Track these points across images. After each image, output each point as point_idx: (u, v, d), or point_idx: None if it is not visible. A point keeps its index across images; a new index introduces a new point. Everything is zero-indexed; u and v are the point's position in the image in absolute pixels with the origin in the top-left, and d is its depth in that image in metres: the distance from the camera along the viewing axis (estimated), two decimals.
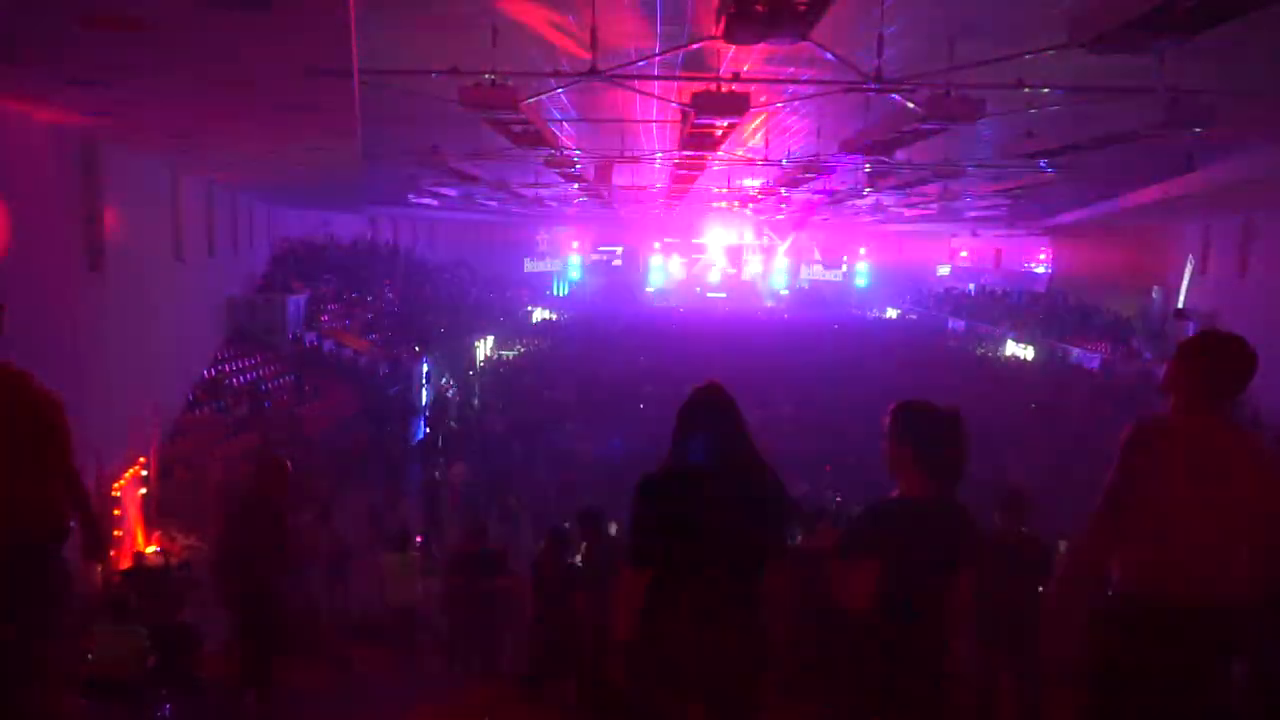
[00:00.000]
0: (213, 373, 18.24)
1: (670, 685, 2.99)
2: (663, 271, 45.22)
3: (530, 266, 41.55)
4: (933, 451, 3.04)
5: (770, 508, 3.07)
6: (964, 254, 39.33)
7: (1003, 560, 5.04)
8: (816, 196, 23.26)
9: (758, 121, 13.57)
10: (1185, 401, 2.99)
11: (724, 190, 23.45)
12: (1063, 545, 5.91)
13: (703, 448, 3.03)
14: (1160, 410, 3.11)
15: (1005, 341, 28.78)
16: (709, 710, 3.03)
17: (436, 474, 16.88)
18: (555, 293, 42.16)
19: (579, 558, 6.53)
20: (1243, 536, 2.85)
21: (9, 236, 8.61)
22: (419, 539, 10.31)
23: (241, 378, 18.92)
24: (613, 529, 7.20)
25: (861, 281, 44.19)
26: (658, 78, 9.77)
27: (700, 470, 3.03)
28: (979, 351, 28.99)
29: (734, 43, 6.84)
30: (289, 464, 5.57)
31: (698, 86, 9.13)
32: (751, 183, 22.47)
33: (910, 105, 8.98)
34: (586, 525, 6.49)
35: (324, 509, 14.27)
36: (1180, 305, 21.99)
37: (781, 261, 45.44)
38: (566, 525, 7.30)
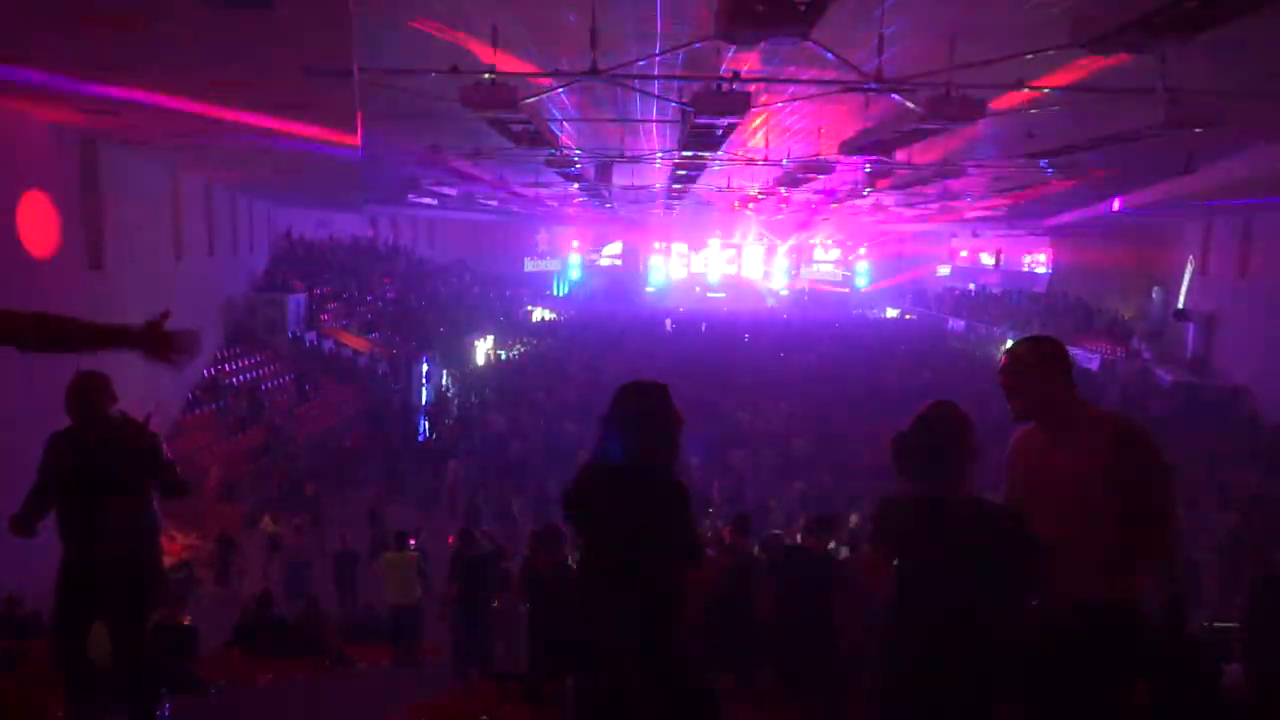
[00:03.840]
0: (212, 372, 18.23)
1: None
2: (662, 271, 45.21)
3: (530, 266, 41.53)
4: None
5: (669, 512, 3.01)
6: (964, 253, 39.34)
7: None
8: (817, 196, 23.24)
9: (758, 121, 13.55)
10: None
11: (725, 190, 23.40)
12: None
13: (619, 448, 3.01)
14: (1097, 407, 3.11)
15: (1005, 341, 28.76)
16: None
17: (437, 473, 16.87)
18: (555, 292, 42.14)
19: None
20: None
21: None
22: (412, 541, 10.25)
23: (241, 377, 18.92)
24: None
25: (862, 281, 44.16)
26: (658, 77, 9.74)
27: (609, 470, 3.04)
28: (979, 352, 28.97)
29: (734, 42, 6.83)
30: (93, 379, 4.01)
31: (698, 86, 9.12)
32: (751, 186, 22.45)
33: (910, 105, 8.97)
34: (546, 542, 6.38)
35: (315, 510, 14.35)
36: (1180, 305, 21.98)
37: (781, 262, 45.44)
38: (555, 524, 7.21)
